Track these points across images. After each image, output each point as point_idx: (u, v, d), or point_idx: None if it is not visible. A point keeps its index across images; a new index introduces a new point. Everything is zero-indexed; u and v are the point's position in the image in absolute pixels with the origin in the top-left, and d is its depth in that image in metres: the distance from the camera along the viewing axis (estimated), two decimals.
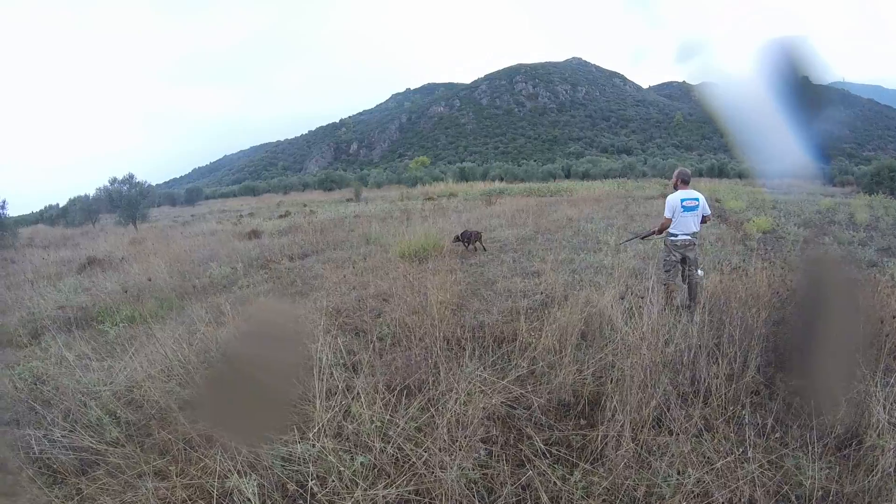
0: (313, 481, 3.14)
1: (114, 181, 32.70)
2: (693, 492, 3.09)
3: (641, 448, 3.51)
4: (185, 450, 3.71)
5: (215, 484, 3.20)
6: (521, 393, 4.16)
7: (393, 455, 3.42)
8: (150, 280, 10.31)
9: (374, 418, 3.69)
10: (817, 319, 4.73)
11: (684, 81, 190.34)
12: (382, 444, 3.42)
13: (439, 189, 45.33)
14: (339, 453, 3.37)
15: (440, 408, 3.76)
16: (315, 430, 3.56)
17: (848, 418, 3.76)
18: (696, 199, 6.68)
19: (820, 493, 3.11)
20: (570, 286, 7.56)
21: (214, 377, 4.88)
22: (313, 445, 3.44)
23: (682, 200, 6.63)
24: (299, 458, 3.40)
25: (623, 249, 10.60)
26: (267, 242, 16.04)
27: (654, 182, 46.37)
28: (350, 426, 3.68)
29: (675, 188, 6.83)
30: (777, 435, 3.70)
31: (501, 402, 3.97)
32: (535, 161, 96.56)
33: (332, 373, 4.14)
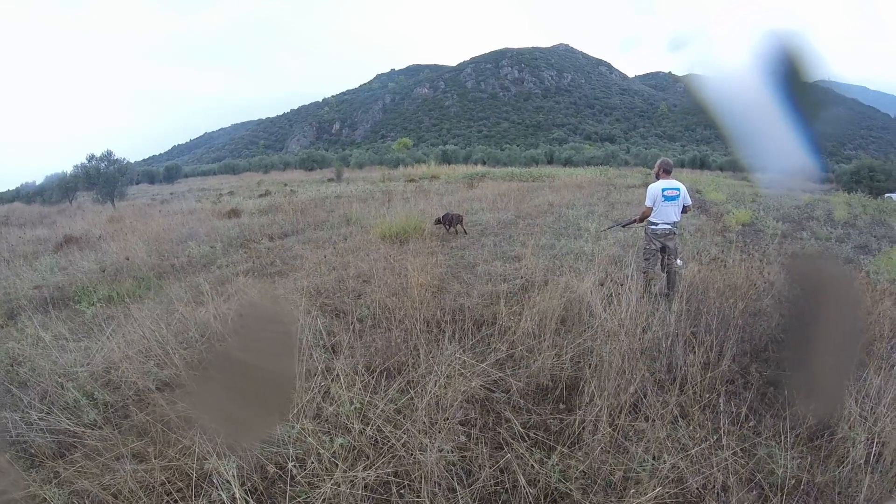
0: (292, 463, 3.12)
1: (91, 158, 32.17)
2: (668, 477, 3.12)
3: (618, 433, 3.53)
4: (164, 432, 3.65)
5: (194, 466, 3.17)
6: (501, 376, 4.18)
7: (372, 437, 3.41)
8: (128, 259, 10.19)
9: (354, 400, 3.67)
10: (796, 312, 4.79)
11: (670, 72, 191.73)
12: (362, 426, 3.40)
13: (421, 171, 45.21)
14: (319, 435, 3.35)
15: (419, 390, 3.75)
16: (294, 412, 3.54)
17: (820, 410, 3.80)
18: (678, 189, 6.72)
19: (792, 481, 3.15)
20: (550, 271, 7.56)
21: (193, 358, 4.83)
22: (292, 427, 3.42)
23: (664, 190, 6.67)
24: (278, 439, 3.38)
25: (603, 237, 10.64)
26: (247, 222, 15.90)
27: (636, 171, 46.59)
28: (329, 408, 3.66)
29: (657, 177, 6.87)
30: (751, 424, 3.75)
31: (480, 386, 3.97)
32: (517, 146, 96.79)
33: (311, 354, 4.12)
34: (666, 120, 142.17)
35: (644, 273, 6.76)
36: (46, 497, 3.07)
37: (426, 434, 3.34)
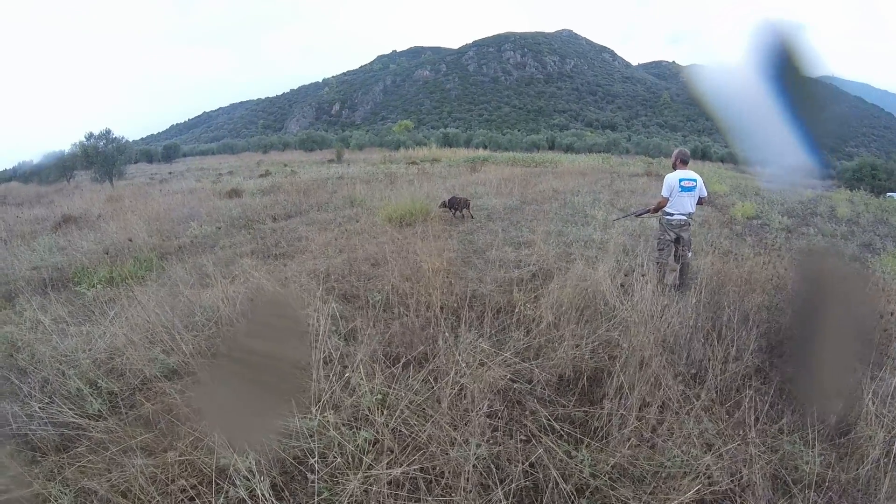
0: (314, 458, 2.95)
1: (90, 137, 31.82)
2: (694, 469, 3.06)
3: (645, 427, 3.45)
4: (173, 423, 3.50)
5: (208, 461, 3.01)
6: (524, 367, 4.05)
7: (395, 430, 3.27)
8: (130, 241, 10.00)
9: (375, 390, 3.53)
10: (813, 310, 4.71)
11: (674, 62, 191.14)
12: (385, 418, 3.26)
13: (422, 154, 44.88)
14: (340, 427, 3.21)
15: (442, 380, 3.62)
16: (312, 403, 3.39)
17: (840, 408, 3.77)
18: (694, 181, 6.66)
19: (816, 479, 3.11)
20: (560, 258, 7.46)
21: (201, 344, 4.67)
22: (312, 419, 3.27)
23: (681, 181, 6.62)
24: (297, 432, 3.22)
25: (612, 225, 10.52)
26: (248, 202, 15.70)
27: (638, 159, 46.39)
28: (349, 399, 3.51)
29: (674, 168, 6.83)
30: (772, 420, 3.69)
31: (504, 377, 3.83)
32: (519, 131, 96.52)
33: (326, 340, 3.97)
34: (668, 109, 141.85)
35: (657, 263, 6.69)
36: (51, 495, 2.90)
37: (453, 427, 3.23)
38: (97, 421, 3.66)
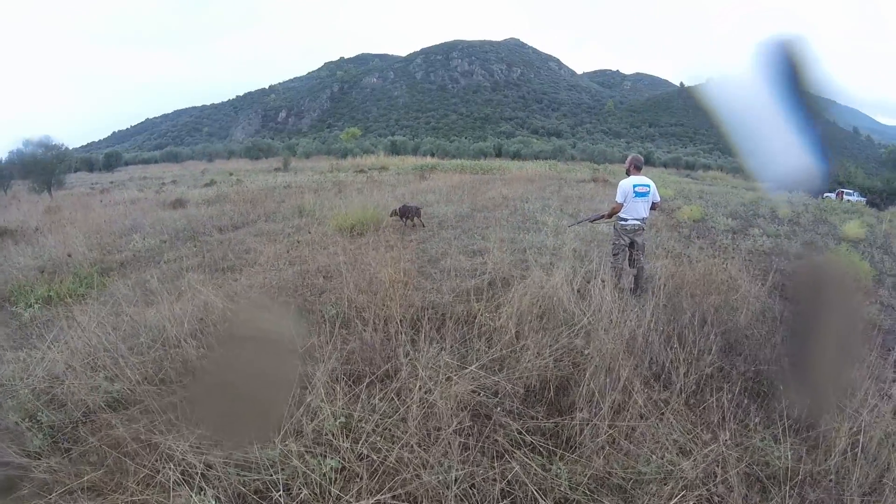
0: (278, 492, 2.77)
1: (27, 144, 30.03)
2: (672, 474, 3.05)
3: (618, 435, 3.42)
4: (121, 460, 3.21)
5: (165, 502, 2.78)
6: (490, 379, 3.92)
7: (362, 455, 3.11)
8: (70, 256, 9.51)
9: (338, 413, 3.34)
10: (775, 309, 4.80)
11: (618, 70, 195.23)
12: (350, 443, 3.09)
13: (370, 161, 44.71)
14: (304, 456, 3.01)
15: (405, 398, 3.49)
16: (272, 429, 3.18)
17: (801, 402, 3.83)
18: (648, 186, 6.73)
19: (789, 474, 3.15)
20: (516, 266, 7.42)
21: (147, 368, 4.36)
22: (273, 448, 3.06)
23: (635, 186, 6.67)
24: (258, 463, 3.00)
25: (565, 231, 10.57)
26: (193, 212, 15.19)
27: (584, 165, 47.28)
28: (310, 423, 3.31)
29: (628, 174, 6.86)
30: (738, 419, 3.72)
31: (470, 391, 3.72)
32: (466, 138, 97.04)
33: (282, 359, 3.77)
34: (612, 117, 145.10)
35: (613, 268, 6.75)
36: None
37: (423, 448, 3.09)
38: (39, 459, 3.35)
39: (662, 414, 3.64)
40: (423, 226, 11.81)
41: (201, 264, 8.85)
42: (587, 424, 3.46)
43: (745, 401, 3.93)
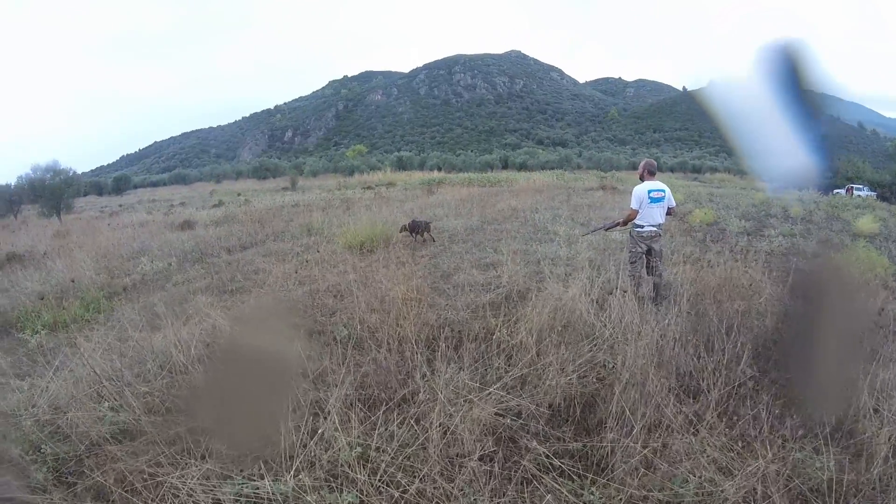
0: None
1: (36, 169, 30.50)
2: (712, 495, 2.88)
3: (651, 454, 3.21)
4: (126, 495, 3.03)
5: None
6: (513, 400, 3.70)
7: (382, 487, 2.90)
8: (73, 282, 9.39)
9: (353, 443, 3.14)
10: (798, 311, 4.63)
11: (620, 78, 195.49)
12: (368, 475, 2.89)
13: (377, 178, 44.82)
14: (320, 491, 2.81)
15: (424, 423, 3.29)
16: (285, 460, 3.00)
17: (836, 407, 3.66)
18: (663, 191, 6.57)
19: (833, 485, 2.95)
20: (530, 278, 7.25)
21: (153, 397, 4.18)
22: (286, 482, 2.86)
23: (650, 192, 6.50)
24: (269, 498, 2.81)
25: (579, 240, 10.40)
26: (202, 234, 15.11)
27: (591, 174, 47.19)
28: (325, 454, 3.11)
29: (642, 179, 6.69)
30: (773, 429, 3.49)
31: (492, 413, 3.50)
32: (472, 151, 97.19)
33: (293, 384, 3.58)
34: (616, 124, 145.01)
35: (631, 276, 6.58)
36: None
37: (444, 477, 2.90)
38: (44, 494, 3.21)
39: (696, 429, 3.43)
40: (434, 240, 11.65)
41: (210, 286, 8.72)
42: (619, 444, 3.25)
43: (779, 410, 3.71)
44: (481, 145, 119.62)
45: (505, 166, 68.59)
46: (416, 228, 11.65)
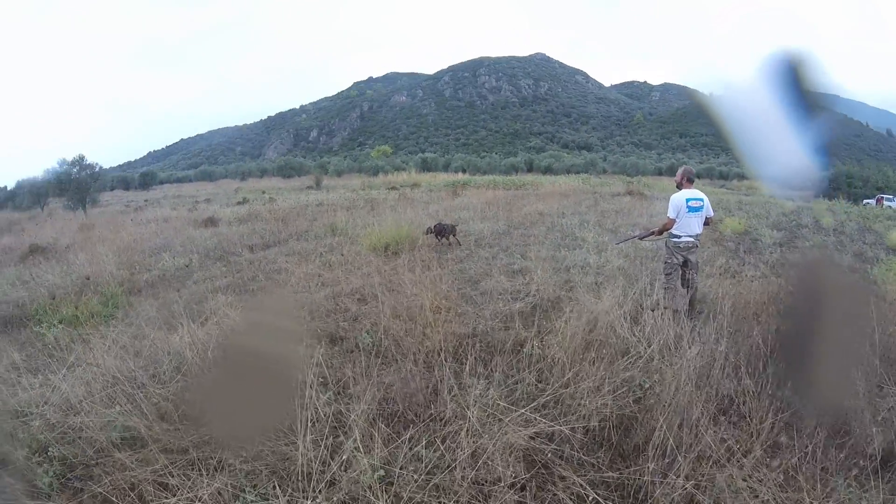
0: None
1: (63, 163, 31.30)
2: None
3: (692, 484, 2.96)
4: None
5: None
6: (549, 424, 3.39)
7: None
8: (88, 279, 9.30)
9: (376, 465, 2.91)
10: (835, 332, 4.37)
11: (645, 81, 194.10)
12: (392, 500, 2.68)
13: (402, 179, 44.70)
14: None
15: (451, 443, 3.06)
16: (302, 479, 2.80)
17: (881, 437, 3.42)
18: (701, 200, 6.32)
19: None
20: (560, 287, 7.01)
21: (167, 403, 4.01)
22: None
23: (688, 200, 6.24)
24: None
25: (606, 248, 10.13)
26: (225, 231, 15.11)
27: (616, 178, 46.62)
28: (345, 474, 2.89)
29: (680, 187, 6.40)
30: (814, 458, 3.23)
31: (529, 436, 3.22)
32: (496, 154, 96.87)
33: (313, 396, 3.35)
34: (642, 129, 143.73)
35: (665, 289, 6.29)
36: None
37: None
38: (49, 500, 3.07)
39: (738, 459, 3.15)
40: (460, 244, 11.44)
41: (230, 285, 8.61)
42: (660, 476, 2.99)
43: (823, 439, 3.41)
44: (505, 148, 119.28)
45: (530, 169, 68.24)
46: (442, 232, 11.45)
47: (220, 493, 2.82)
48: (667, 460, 3.11)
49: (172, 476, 3.01)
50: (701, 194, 6.34)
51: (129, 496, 2.98)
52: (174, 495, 2.86)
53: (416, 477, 2.86)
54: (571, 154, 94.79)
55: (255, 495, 2.79)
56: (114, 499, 3.00)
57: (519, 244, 11.19)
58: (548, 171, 64.26)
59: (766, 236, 12.99)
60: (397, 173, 53.92)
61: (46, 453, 3.51)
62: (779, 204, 23.24)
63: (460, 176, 48.33)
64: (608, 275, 7.67)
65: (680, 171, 6.54)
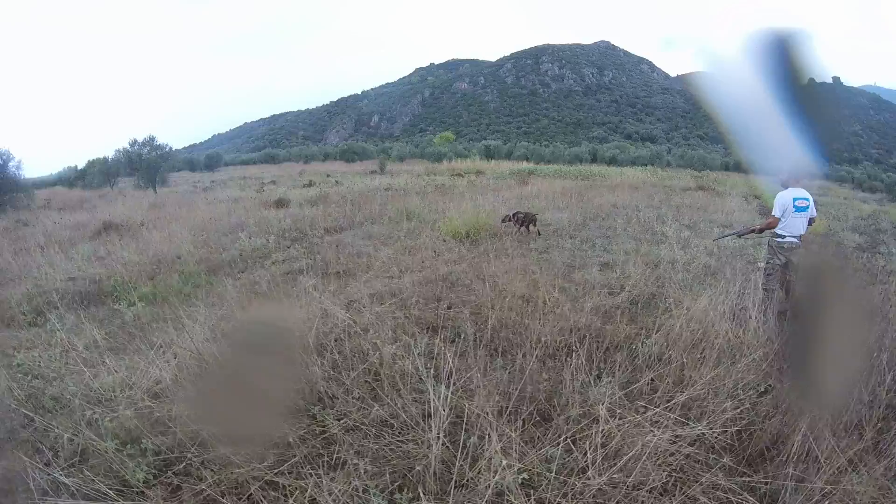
0: None
1: (134, 143, 32.69)
2: None
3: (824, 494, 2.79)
4: None
5: None
6: (693, 427, 3.20)
7: None
8: (179, 258, 9.47)
9: (515, 467, 2.70)
10: None
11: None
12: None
13: (465, 166, 44.47)
14: None
15: (581, 444, 2.91)
16: (432, 479, 2.67)
17: None
18: (808, 200, 6.07)
19: None
20: (652, 282, 6.80)
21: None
22: None
23: (795, 199, 6.01)
24: None
25: (688, 244, 9.85)
26: (297, 213, 15.29)
27: (684, 172, 45.33)
28: (480, 476, 2.70)
29: (785, 186, 6.09)
30: None
31: (669, 440, 3.03)
32: (559, 143, 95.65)
33: (430, 390, 3.17)
34: (709, 121, 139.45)
35: (765, 291, 6.07)
36: None
37: None
38: (141, 500, 2.84)
39: (856, 467, 2.98)
40: (540, 234, 11.27)
41: (311, 267, 8.55)
42: (794, 482, 2.83)
43: None
44: (567, 137, 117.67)
45: (594, 160, 67.04)
46: (524, 220, 11.29)
47: (339, 495, 2.65)
48: (802, 465, 2.97)
49: (284, 475, 2.87)
50: (807, 194, 6.11)
51: (234, 496, 2.82)
52: (290, 496, 2.70)
53: (549, 478, 2.73)
54: (636, 145, 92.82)
55: (382, 499, 2.62)
56: (219, 497, 2.81)
57: (599, 236, 11.02)
58: (612, 161, 62.89)
59: (848, 240, 12.45)
60: (460, 160, 53.72)
61: (139, 445, 3.17)
62: (855, 206, 22.34)
63: (524, 164, 47.87)
64: (696, 273, 7.45)
65: (787, 168, 6.24)
